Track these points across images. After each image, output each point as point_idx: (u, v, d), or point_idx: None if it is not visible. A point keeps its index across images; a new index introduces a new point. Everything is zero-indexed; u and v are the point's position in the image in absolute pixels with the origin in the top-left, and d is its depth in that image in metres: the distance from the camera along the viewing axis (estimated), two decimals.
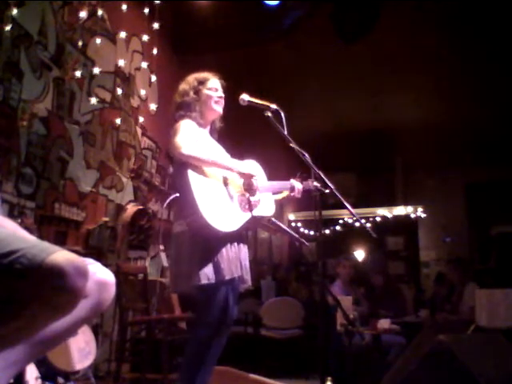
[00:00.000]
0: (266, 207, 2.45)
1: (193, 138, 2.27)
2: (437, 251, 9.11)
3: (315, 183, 2.28)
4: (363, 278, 5.95)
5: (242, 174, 2.32)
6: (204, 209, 2.10)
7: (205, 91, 2.46)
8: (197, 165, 2.21)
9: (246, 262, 2.36)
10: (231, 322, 2.32)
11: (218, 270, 2.17)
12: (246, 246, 2.38)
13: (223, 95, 2.50)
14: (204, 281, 2.14)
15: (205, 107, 2.44)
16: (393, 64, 5.87)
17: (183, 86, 2.49)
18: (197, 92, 2.45)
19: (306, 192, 2.54)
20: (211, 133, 2.52)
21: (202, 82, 2.48)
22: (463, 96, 6.46)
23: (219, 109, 2.48)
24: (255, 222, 2.41)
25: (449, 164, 8.53)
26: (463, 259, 5.41)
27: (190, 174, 2.17)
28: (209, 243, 2.19)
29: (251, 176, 2.34)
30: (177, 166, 2.29)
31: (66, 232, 3.88)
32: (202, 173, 2.22)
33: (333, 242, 8.38)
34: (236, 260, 2.27)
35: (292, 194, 2.55)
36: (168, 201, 2.29)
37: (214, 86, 2.49)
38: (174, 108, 2.46)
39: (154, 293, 4.77)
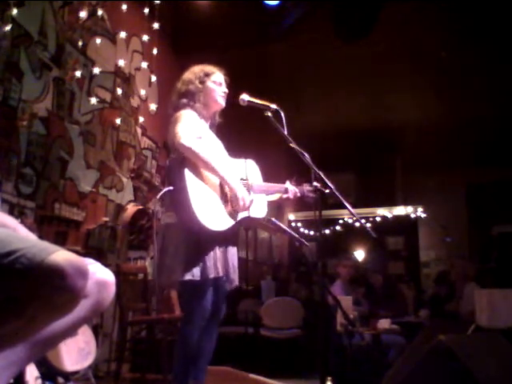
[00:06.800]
0: (258, 209, 2.44)
1: (195, 131, 2.24)
2: (437, 251, 9.13)
3: (315, 183, 2.26)
4: (363, 277, 5.95)
5: (231, 190, 2.27)
6: (196, 206, 2.09)
7: (209, 83, 2.44)
8: (194, 161, 2.18)
9: (234, 262, 2.35)
10: (218, 320, 2.32)
11: (203, 267, 2.16)
12: (234, 247, 2.38)
13: (227, 91, 2.49)
14: (188, 277, 2.13)
15: (209, 98, 2.43)
16: (392, 64, 5.87)
17: (188, 75, 2.47)
18: (202, 82, 2.43)
19: (301, 196, 2.54)
20: (211, 126, 2.50)
21: (207, 74, 2.46)
22: (463, 96, 6.46)
23: (223, 102, 2.47)
24: (249, 223, 2.40)
25: (449, 164, 8.53)
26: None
27: (187, 170, 2.16)
28: (196, 240, 2.17)
29: (237, 198, 2.25)
30: (175, 160, 2.25)
31: (66, 232, 3.88)
32: (198, 170, 2.21)
33: (333, 241, 8.39)
34: (222, 260, 2.26)
35: (285, 197, 2.54)
36: (161, 194, 2.27)
37: (218, 80, 2.48)
38: (176, 96, 2.44)
39: (153, 293, 4.77)
